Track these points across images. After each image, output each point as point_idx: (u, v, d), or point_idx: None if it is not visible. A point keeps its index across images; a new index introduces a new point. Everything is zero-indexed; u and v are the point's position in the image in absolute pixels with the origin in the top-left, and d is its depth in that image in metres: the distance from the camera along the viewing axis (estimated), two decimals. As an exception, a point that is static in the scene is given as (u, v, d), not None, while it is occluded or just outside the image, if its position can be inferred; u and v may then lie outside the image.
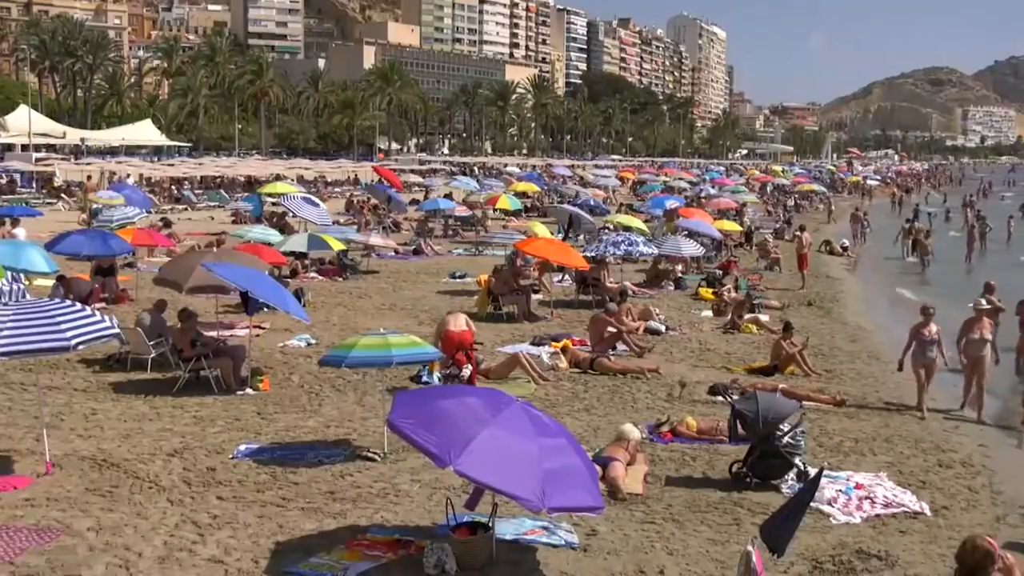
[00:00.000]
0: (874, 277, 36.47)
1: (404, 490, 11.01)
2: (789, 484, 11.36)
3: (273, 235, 30.47)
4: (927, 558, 9.50)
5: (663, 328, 21.62)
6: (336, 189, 74.14)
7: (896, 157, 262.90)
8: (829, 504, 10.85)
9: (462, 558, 8.80)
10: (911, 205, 69.73)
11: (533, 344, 19.28)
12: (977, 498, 11.68)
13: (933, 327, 15.91)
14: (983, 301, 17.48)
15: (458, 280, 28.84)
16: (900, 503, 11.13)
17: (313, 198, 44.13)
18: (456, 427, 8.55)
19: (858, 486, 11.45)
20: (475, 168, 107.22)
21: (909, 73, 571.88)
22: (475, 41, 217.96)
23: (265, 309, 18.19)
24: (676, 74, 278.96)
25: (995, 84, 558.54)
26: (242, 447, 12.40)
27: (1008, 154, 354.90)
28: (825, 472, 11.43)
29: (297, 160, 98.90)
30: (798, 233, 34.32)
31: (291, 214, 38.83)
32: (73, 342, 10.85)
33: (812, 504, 9.53)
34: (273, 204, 46.77)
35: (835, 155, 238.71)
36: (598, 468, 10.75)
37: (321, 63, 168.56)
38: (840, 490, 11.24)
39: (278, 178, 68.58)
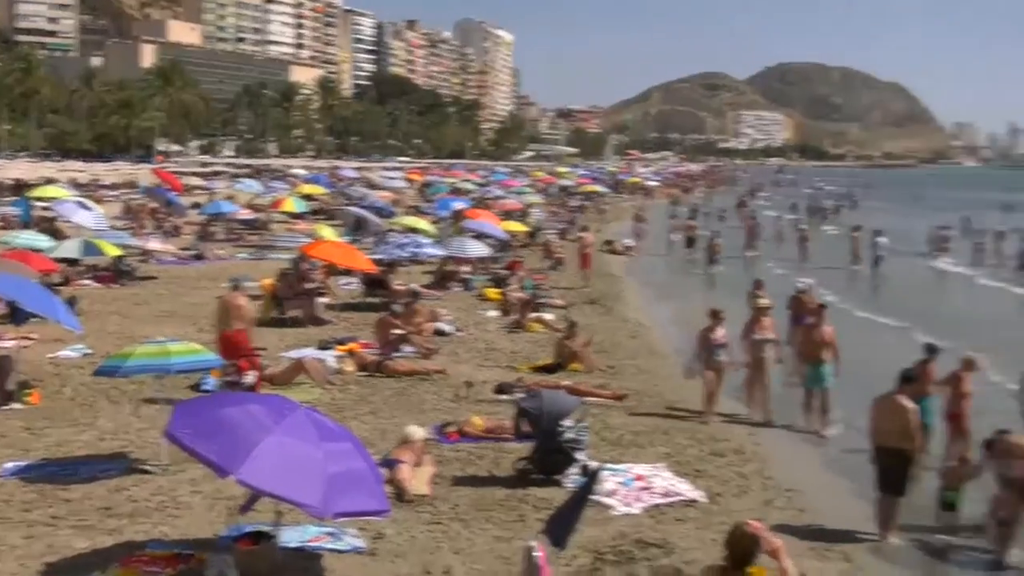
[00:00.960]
0: (654, 275, 37.65)
1: (184, 502, 10.69)
2: (572, 479, 11.60)
3: (43, 241, 29.06)
4: (702, 543, 9.87)
5: (450, 329, 21.74)
6: (112, 192, 71.19)
7: (674, 158, 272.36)
8: (610, 496, 11.14)
9: (245, 569, 8.60)
10: (689, 205, 72.44)
11: (319, 348, 19.06)
12: (748, 484, 12.25)
13: (721, 331, 15.88)
14: (763, 300, 18.08)
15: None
16: (677, 492, 11.55)
17: (87, 202, 42.28)
18: (238, 435, 8.35)
19: (638, 477, 11.81)
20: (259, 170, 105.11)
21: (686, 78, 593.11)
22: (259, 41, 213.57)
23: (34, 319, 17.34)
24: (463, 76, 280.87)
25: (765, 89, 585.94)
26: (8, 465, 11.74)
27: (776, 156, 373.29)
28: (606, 465, 11.77)
29: (70, 162, 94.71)
30: (581, 233, 35.12)
31: (63, 219, 37.14)
32: None
33: (594, 497, 9.76)
34: (43, 208, 44.58)
35: (617, 157, 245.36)
36: (384, 471, 10.72)
37: (97, 62, 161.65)
38: (620, 482, 11.57)
39: (49, 181, 65.29)
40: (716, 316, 15.99)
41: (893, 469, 11.02)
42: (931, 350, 14.26)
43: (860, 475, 11.94)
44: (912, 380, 11.63)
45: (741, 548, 6.75)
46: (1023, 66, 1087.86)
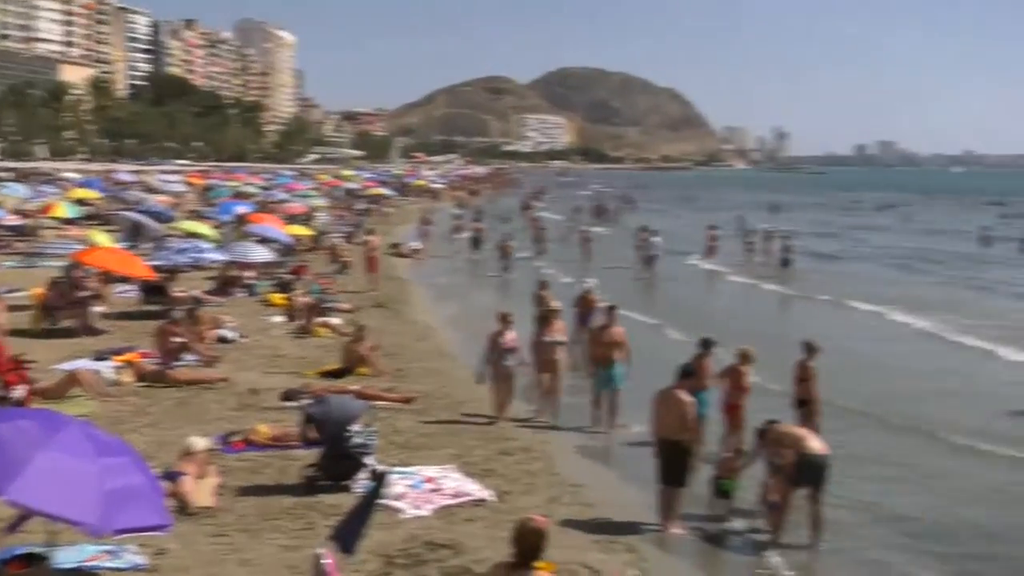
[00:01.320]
0: (442, 277, 37.84)
1: (-53, 527, 10.05)
2: (361, 484, 11.52)
3: None
4: (491, 542, 9.94)
5: (233, 336, 21.26)
6: None
7: (460, 161, 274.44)
8: (399, 499, 11.13)
9: (15, 593, 8.18)
10: (475, 207, 73.21)
11: (95, 359, 18.25)
12: (536, 481, 12.48)
13: (510, 334, 15.86)
14: (553, 302, 18.31)
15: (9, 295, 26.70)
16: (467, 492, 11.64)
17: None
18: (6, 453, 7.88)
19: (427, 479, 11.85)
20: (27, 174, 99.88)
21: (470, 81, 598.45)
22: (25, 38, 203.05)
23: None
24: (244, 78, 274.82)
25: (547, 93, 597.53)
26: None
27: (559, 159, 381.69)
28: (394, 468, 11.76)
29: None
30: (367, 236, 34.98)
31: None
32: None
33: (382, 501, 9.73)
34: None
35: (403, 159, 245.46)
36: (166, 484, 10.40)
37: None
38: (410, 485, 11.57)
39: None
40: (505, 320, 16.03)
41: (674, 461, 11.45)
42: (706, 344, 14.85)
43: (643, 468, 12.33)
44: (690, 374, 12.12)
45: (528, 544, 6.84)
46: (788, 71, 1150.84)
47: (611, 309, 16.87)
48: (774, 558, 10.94)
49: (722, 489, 12.24)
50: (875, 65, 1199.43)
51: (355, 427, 11.85)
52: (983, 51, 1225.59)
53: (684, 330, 24.18)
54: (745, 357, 14.45)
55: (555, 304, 17.99)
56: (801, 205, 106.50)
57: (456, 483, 11.89)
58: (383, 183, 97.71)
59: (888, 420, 17.28)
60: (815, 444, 11.29)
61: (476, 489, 11.78)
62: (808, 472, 11.05)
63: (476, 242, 44.77)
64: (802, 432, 11.76)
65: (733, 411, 14.28)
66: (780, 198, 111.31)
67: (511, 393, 15.92)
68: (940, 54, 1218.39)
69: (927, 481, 14.12)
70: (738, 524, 11.86)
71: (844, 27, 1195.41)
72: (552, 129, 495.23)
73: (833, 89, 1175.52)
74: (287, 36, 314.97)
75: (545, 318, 17.01)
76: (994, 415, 17.83)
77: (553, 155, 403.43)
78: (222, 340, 20.63)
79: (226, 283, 28.25)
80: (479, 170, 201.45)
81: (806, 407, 14.28)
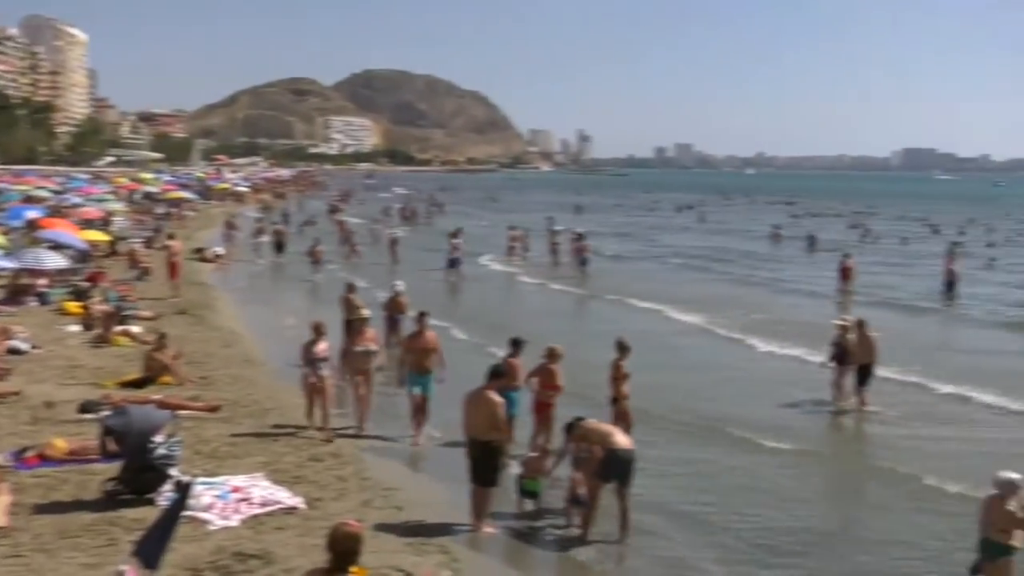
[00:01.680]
0: (247, 282, 37.06)
1: None
2: (165, 496, 11.19)
3: None
4: (303, 550, 9.83)
5: (25, 347, 20.30)
6: None
7: (264, 164, 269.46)
8: (207, 511, 10.87)
9: None
10: (281, 210, 72.02)
11: None
12: (347, 486, 12.40)
13: (323, 344, 15.62)
14: (363, 311, 18.07)
15: None
16: (276, 500, 11.47)
17: None
18: None
19: (235, 489, 11.60)
20: None
21: (274, 83, 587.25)
22: None
23: None
24: (33, 77, 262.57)
25: (353, 95, 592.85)
26: None
27: (366, 161, 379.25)
28: (200, 479, 11.47)
29: None
30: (168, 241, 34.00)
31: None
32: None
33: (189, 512, 9.48)
34: None
35: (205, 162, 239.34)
36: (-47, 505, 9.86)
37: None
38: (217, 495, 11.31)
39: None
40: (318, 330, 15.75)
41: (484, 461, 11.55)
42: (515, 344, 15.02)
43: (455, 469, 12.37)
44: (501, 375, 12.23)
45: (343, 549, 6.78)
46: (590, 75, 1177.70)
47: (421, 315, 16.76)
48: (583, 554, 11.16)
49: (527, 489, 12.35)
50: (672, 70, 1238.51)
51: (158, 438, 11.51)
52: (768, 61, 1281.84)
53: (469, 331, 24.44)
54: (554, 355, 14.65)
55: (365, 312, 17.85)
56: (603, 206, 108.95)
57: (265, 491, 11.68)
58: (184, 186, 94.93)
59: (665, 415, 17.35)
60: (621, 440, 11.58)
61: (286, 497, 11.61)
62: (615, 467, 11.32)
63: (279, 246, 44.10)
64: (609, 428, 12.04)
65: (543, 409, 14.46)
66: (584, 199, 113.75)
67: (324, 401, 15.70)
68: (731, 62, 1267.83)
69: (711, 475, 14.36)
70: (548, 521, 12.03)
71: (641, 33, 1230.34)
72: (358, 131, 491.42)
73: (633, 93, 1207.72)
74: (78, 34, 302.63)
75: (355, 326, 16.87)
76: (766, 408, 18.38)
77: (359, 157, 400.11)
78: (13, 352, 19.70)
79: (17, 291, 27.05)
80: (284, 173, 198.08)
81: (616, 404, 14.64)
